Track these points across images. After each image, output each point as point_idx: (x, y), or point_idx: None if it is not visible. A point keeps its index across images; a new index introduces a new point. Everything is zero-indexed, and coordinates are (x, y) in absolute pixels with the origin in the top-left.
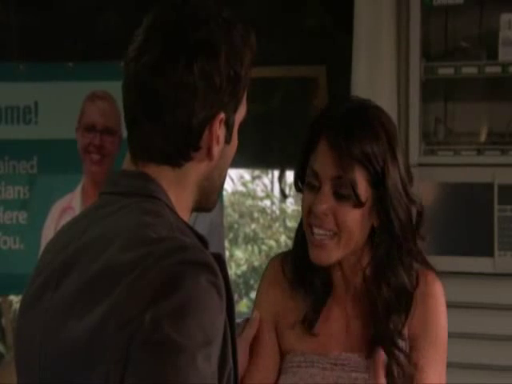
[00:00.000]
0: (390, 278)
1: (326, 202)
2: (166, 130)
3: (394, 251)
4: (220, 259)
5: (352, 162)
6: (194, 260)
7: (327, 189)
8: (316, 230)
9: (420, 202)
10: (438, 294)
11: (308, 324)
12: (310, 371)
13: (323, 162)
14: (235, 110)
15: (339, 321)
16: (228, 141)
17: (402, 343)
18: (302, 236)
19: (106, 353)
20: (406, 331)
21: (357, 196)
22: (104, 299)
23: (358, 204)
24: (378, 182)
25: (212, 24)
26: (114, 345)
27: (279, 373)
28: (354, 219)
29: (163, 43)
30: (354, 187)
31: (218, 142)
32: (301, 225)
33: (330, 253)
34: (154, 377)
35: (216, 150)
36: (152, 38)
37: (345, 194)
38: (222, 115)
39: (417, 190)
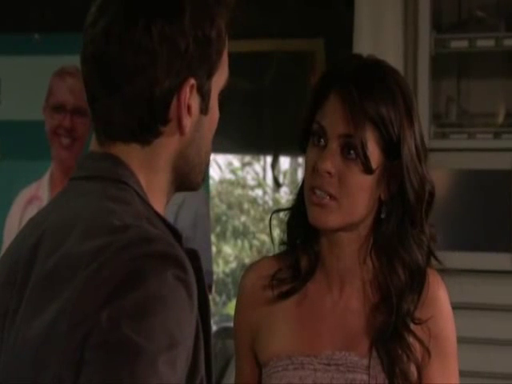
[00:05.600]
0: (402, 255)
1: (331, 160)
2: (127, 102)
3: (407, 225)
4: (194, 255)
5: (364, 121)
6: (159, 253)
7: (334, 146)
8: (318, 192)
9: (432, 181)
10: (443, 299)
11: (284, 293)
12: (300, 373)
13: (332, 118)
14: (209, 76)
15: (331, 316)
16: (204, 111)
17: (415, 329)
18: (302, 200)
19: (57, 354)
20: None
21: (366, 159)
22: (59, 295)
23: (367, 169)
24: (391, 149)
25: None
26: (66, 345)
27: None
28: (361, 186)
29: (120, 5)
30: (363, 148)
31: (189, 112)
32: (302, 188)
33: (329, 214)
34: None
35: (187, 121)
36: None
37: (353, 155)
38: (192, 81)
39: None
